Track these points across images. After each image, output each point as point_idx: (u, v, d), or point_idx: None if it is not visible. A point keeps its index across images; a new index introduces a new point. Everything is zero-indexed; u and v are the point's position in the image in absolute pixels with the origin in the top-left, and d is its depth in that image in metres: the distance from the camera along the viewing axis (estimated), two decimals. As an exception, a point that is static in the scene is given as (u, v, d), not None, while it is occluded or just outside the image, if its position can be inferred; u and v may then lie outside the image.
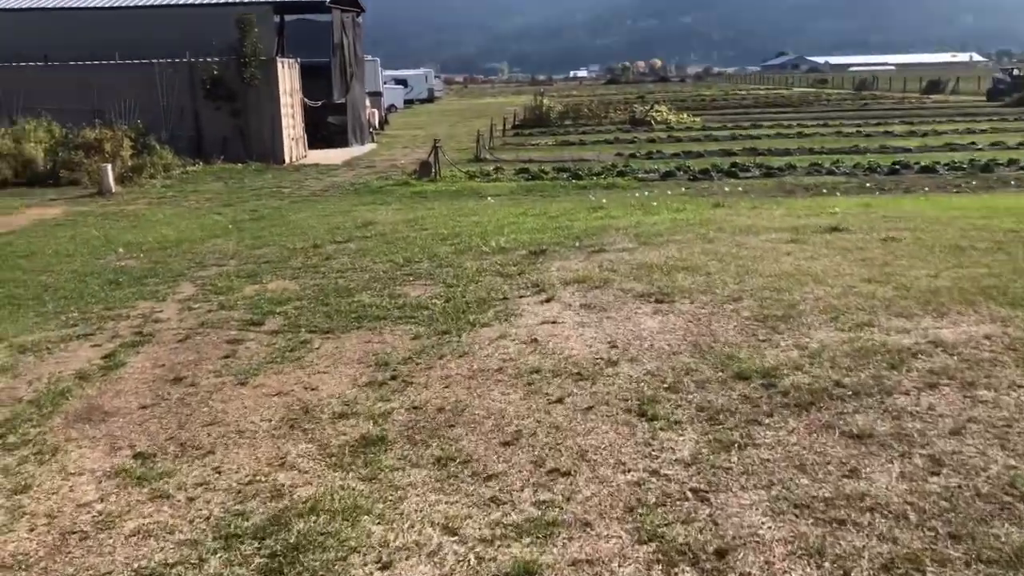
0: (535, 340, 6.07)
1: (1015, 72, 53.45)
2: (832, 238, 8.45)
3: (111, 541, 3.91)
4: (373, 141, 32.76)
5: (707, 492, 4.05)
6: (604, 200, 13.38)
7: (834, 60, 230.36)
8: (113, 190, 18.67)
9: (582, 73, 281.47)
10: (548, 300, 6.84)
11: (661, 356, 5.64)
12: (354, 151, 28.99)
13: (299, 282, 8.37)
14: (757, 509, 3.86)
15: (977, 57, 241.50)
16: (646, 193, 14.70)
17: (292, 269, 9.01)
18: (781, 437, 4.59)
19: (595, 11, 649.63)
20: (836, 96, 63.50)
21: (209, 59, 24.40)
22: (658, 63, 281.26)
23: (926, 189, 14.65)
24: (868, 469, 4.18)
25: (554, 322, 6.26)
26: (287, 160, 24.93)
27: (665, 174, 19.54)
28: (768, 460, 4.33)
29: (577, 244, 9.28)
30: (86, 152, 20.67)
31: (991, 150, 23.25)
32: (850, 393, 5.01)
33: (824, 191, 15.51)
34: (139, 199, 17.64)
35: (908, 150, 24.03)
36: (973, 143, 25.09)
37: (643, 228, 9.86)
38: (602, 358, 5.69)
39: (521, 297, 6.97)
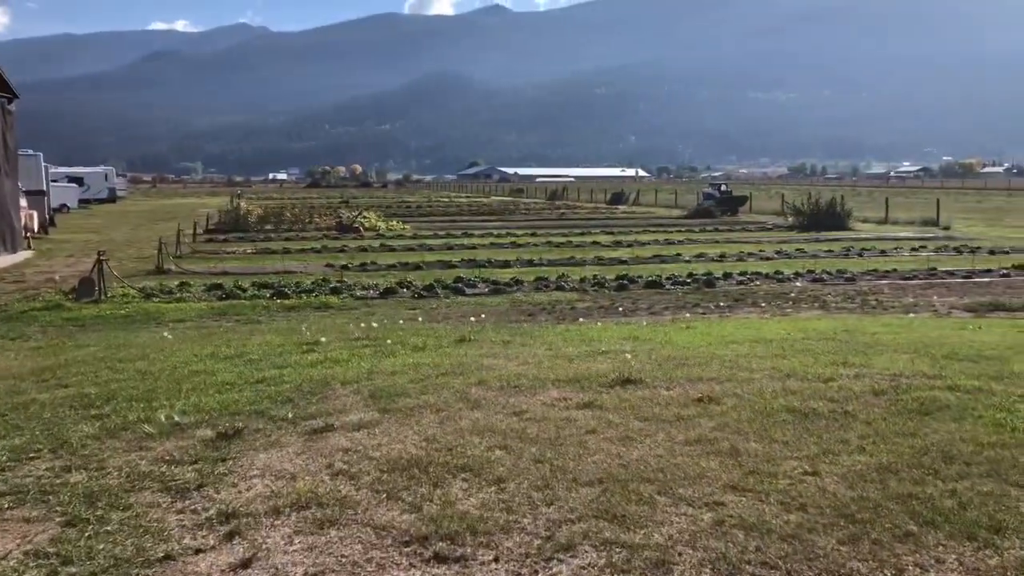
0: None
1: (723, 188, 56.00)
2: (631, 398, 6.36)
3: None
4: (29, 248, 27.40)
5: None
6: (320, 332, 10.59)
7: (522, 171, 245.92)
8: None
9: (282, 176, 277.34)
10: (246, 565, 3.91)
11: None
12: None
13: None
14: None
15: (642, 172, 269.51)
16: (372, 321, 12.10)
17: None
18: None
19: (293, 114, 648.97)
20: (535, 205, 65.58)
21: None
22: (358, 168, 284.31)
23: (686, 314, 13.40)
24: None
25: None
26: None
27: (386, 291, 17.19)
28: None
29: (290, 415, 6.43)
30: None
31: (698, 262, 23.52)
32: None
33: (566, 313, 13.85)
34: None
35: (624, 261, 23.74)
36: (679, 255, 25.41)
37: (379, 381, 7.26)
38: None
39: (198, 553, 3.99)
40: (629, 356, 8.17)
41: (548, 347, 9.10)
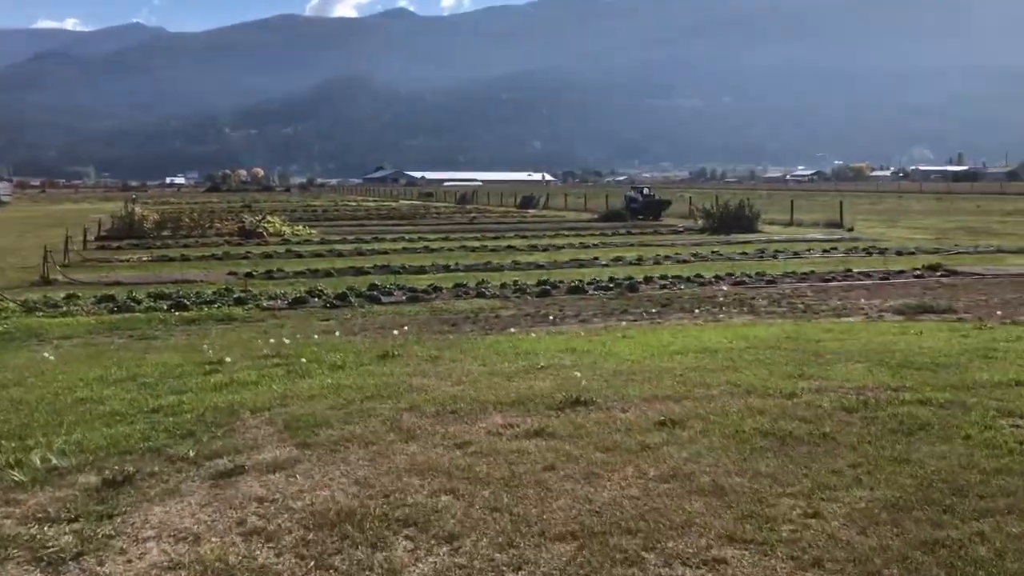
0: None
1: (645, 192, 54.49)
2: (586, 422, 5.65)
3: None
4: None
5: None
6: (224, 349, 9.57)
7: (430, 175, 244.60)
8: None
9: (180, 180, 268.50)
10: None
11: None
12: None
13: None
14: None
15: (548, 177, 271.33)
16: (282, 335, 11.10)
17: None
18: None
19: (192, 118, 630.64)
20: (445, 209, 64.66)
21: None
22: (260, 172, 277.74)
23: (618, 322, 12.80)
24: None
25: None
26: None
27: (295, 300, 16.12)
28: None
29: (191, 453, 5.48)
30: None
31: (616, 266, 23.14)
32: None
33: (492, 322, 13.11)
34: None
35: (542, 266, 23.15)
36: (596, 258, 24.98)
37: (295, 408, 6.36)
38: None
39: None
40: (574, 372, 7.46)
41: (482, 363, 8.31)
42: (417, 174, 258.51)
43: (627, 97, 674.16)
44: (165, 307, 15.30)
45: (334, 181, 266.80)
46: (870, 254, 26.41)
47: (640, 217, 46.79)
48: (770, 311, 13.91)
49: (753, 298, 15.72)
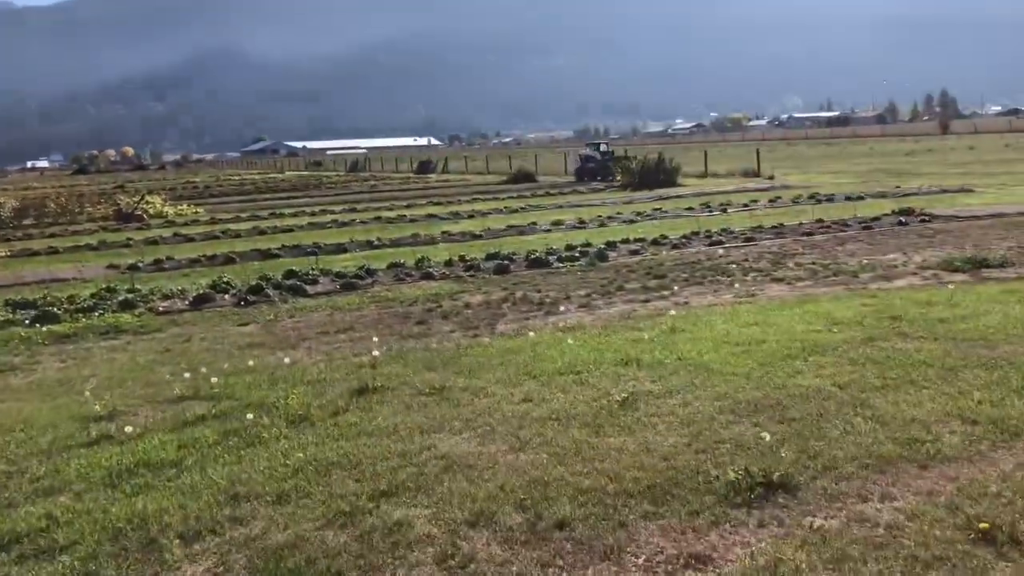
0: None
1: (603, 148, 47.23)
2: (834, 544, 2.84)
3: None
4: None
5: None
6: (115, 390, 6.45)
7: (311, 145, 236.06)
8: None
9: (43, 164, 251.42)
10: None
11: None
12: None
13: None
14: None
15: (435, 141, 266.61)
16: (193, 357, 7.97)
17: None
18: None
19: (50, 97, 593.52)
20: (338, 179, 60.83)
21: None
22: (130, 151, 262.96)
23: (632, 305, 10.14)
24: None
25: None
26: None
27: (198, 299, 12.86)
28: None
29: None
30: None
31: (560, 231, 20.75)
32: None
33: (467, 316, 10.29)
34: None
35: (478, 236, 20.41)
36: (534, 224, 22.39)
37: (257, 529, 3.42)
38: None
39: None
40: (689, 407, 4.71)
41: (523, 396, 5.56)
42: (298, 144, 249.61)
43: (506, 57, 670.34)
44: (28, 319, 11.83)
45: (210, 156, 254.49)
46: (819, 202, 24.74)
47: (599, 179, 41.10)
48: (797, 277, 11.49)
49: (748, 262, 13.37)
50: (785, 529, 3.69)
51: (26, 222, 31.32)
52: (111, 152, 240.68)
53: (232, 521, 3.99)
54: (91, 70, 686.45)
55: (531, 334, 8.12)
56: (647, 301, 10.26)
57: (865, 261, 12.52)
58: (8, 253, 21.98)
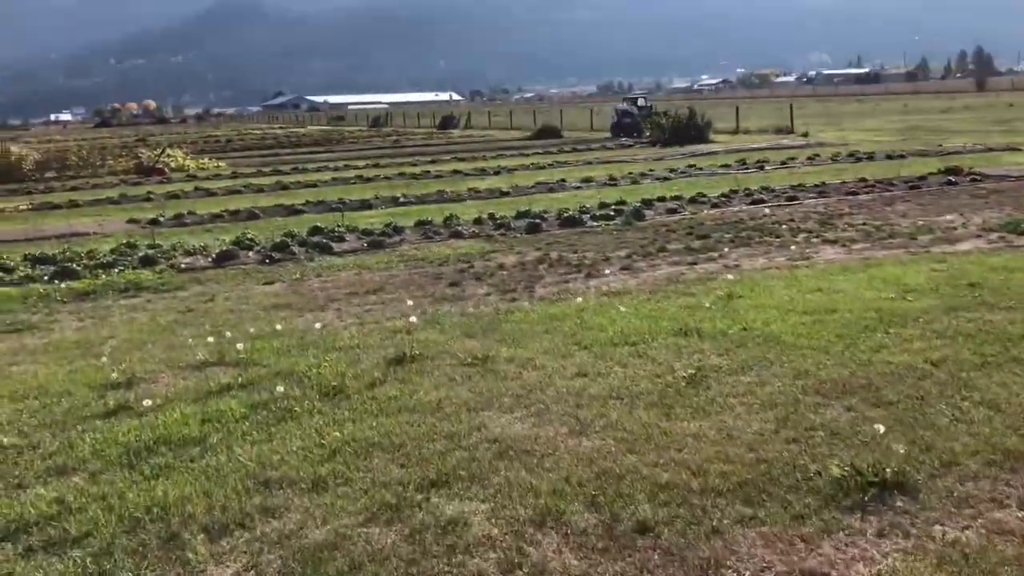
0: None
1: (641, 102, 45.29)
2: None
3: None
4: None
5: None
6: (134, 353, 6.02)
7: (332, 99, 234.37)
8: None
9: (65, 116, 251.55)
10: None
11: None
12: None
13: None
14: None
15: (456, 96, 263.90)
16: (217, 318, 7.52)
17: None
18: None
19: (73, 50, 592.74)
20: (360, 134, 60.15)
21: None
22: (152, 104, 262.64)
23: (677, 268, 9.57)
24: None
25: None
26: None
27: (221, 255, 12.40)
28: None
29: None
30: None
31: (590, 188, 20.12)
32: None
33: (501, 277, 9.78)
34: None
35: (506, 193, 19.77)
36: (563, 181, 21.70)
37: (291, 523, 2.99)
38: None
39: None
40: (766, 386, 4.17)
41: (577, 368, 5.03)
42: (319, 98, 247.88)
43: (529, 12, 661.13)
44: (47, 275, 11.43)
45: (232, 110, 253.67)
46: (858, 160, 23.87)
47: (635, 136, 39.03)
48: (851, 239, 10.85)
49: (798, 222, 12.72)
50: (912, 541, 3.16)
51: (48, 175, 30.97)
52: (133, 105, 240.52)
53: (263, 513, 3.54)
54: (114, 23, 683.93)
55: (579, 300, 7.56)
56: (694, 263, 9.68)
57: (920, 222, 11.85)
58: (29, 206, 21.64)
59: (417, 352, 5.87)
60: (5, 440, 4.74)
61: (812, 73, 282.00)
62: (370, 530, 3.30)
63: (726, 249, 10.46)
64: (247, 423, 4.71)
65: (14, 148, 34.43)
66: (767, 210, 13.92)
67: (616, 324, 6.44)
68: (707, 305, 6.94)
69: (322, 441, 4.30)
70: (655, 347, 5.63)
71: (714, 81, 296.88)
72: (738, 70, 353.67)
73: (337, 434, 4.37)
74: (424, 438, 4.23)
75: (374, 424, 4.50)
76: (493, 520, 3.33)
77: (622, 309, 6.90)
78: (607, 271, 9.50)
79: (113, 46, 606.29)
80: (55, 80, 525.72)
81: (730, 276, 8.41)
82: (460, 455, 3.99)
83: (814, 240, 10.78)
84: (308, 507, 3.52)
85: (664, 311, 6.84)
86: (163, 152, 34.01)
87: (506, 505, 3.45)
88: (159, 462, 4.21)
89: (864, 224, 12.13)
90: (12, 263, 12.15)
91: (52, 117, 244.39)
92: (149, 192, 23.21)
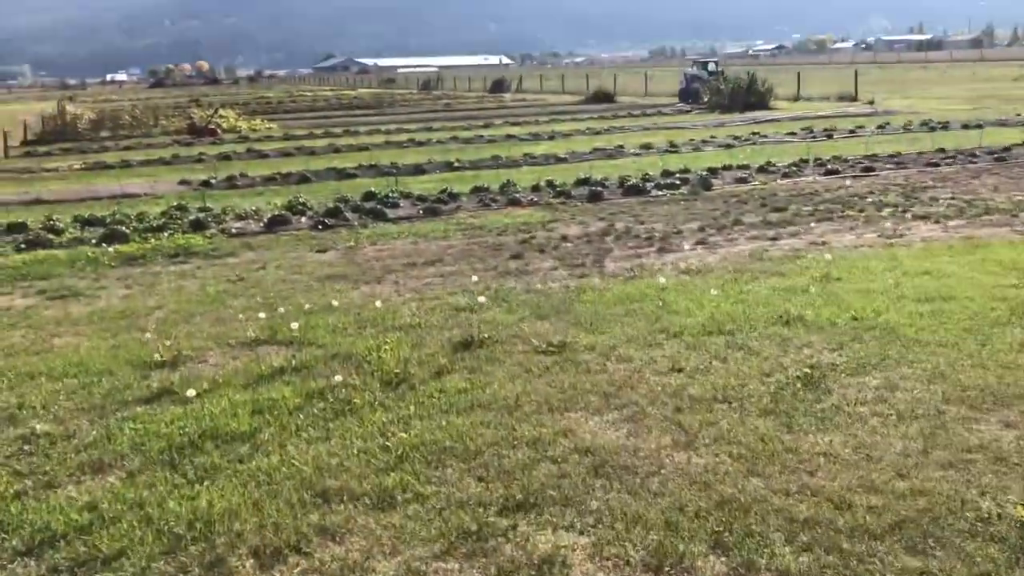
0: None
1: (711, 67, 42.26)
2: None
3: None
4: None
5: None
6: (181, 326, 5.60)
7: (382, 62, 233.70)
8: None
9: (121, 77, 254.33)
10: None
11: None
12: None
13: None
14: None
15: (506, 60, 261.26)
16: (269, 289, 7.06)
17: None
18: None
19: (128, 10, 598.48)
20: (411, 96, 59.55)
21: None
22: (205, 65, 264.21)
23: (761, 243, 8.90)
24: None
25: None
26: None
27: (273, 220, 11.97)
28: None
29: None
30: None
31: (650, 154, 19.45)
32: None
33: (565, 249, 9.20)
34: None
35: (563, 159, 19.12)
36: (621, 147, 20.94)
37: (360, 552, 2.32)
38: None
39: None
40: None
41: (671, 364, 4.43)
42: (369, 61, 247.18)
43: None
44: (96, 238, 11.10)
45: (283, 72, 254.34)
46: (932, 129, 22.72)
47: (704, 103, 36.74)
48: (944, 215, 10.04)
49: (883, 194, 11.89)
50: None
51: (103, 134, 30.97)
52: (186, 66, 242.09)
53: (322, 534, 3.04)
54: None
55: (661, 280, 6.92)
56: (776, 239, 8.97)
57: (1018, 198, 10.96)
58: (83, 165, 21.51)
59: (485, 335, 5.32)
60: (39, 427, 4.32)
61: (871, 39, 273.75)
62: (448, 565, 2.78)
63: (811, 224, 9.72)
64: (302, 416, 4.22)
65: (70, 107, 34.53)
66: (848, 181, 13.09)
67: (704, 308, 5.82)
68: (804, 288, 6.27)
69: (386, 443, 3.78)
70: (754, 338, 5.01)
71: (769, 47, 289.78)
72: (794, 36, 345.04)
73: (403, 435, 3.84)
74: (503, 444, 3.68)
75: (444, 424, 3.96)
76: (598, 561, 2.76)
77: (713, 292, 6.25)
78: (685, 246, 8.84)
79: (168, 7, 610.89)
80: (112, 40, 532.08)
81: (827, 256, 7.69)
82: (548, 469, 3.42)
83: (904, 216, 9.99)
84: (373, 529, 3.00)
85: (756, 294, 6.20)
86: (215, 113, 33.81)
87: (611, 541, 2.87)
88: (204, 462, 3.74)
89: (953, 199, 11.28)
90: (62, 224, 11.87)
91: (108, 77, 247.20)
92: (201, 153, 22.93)
